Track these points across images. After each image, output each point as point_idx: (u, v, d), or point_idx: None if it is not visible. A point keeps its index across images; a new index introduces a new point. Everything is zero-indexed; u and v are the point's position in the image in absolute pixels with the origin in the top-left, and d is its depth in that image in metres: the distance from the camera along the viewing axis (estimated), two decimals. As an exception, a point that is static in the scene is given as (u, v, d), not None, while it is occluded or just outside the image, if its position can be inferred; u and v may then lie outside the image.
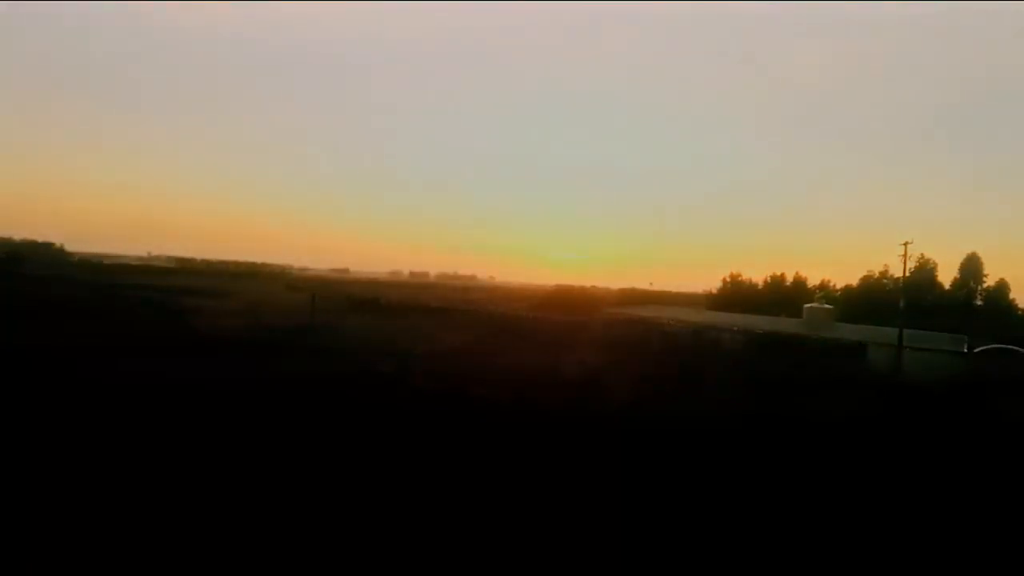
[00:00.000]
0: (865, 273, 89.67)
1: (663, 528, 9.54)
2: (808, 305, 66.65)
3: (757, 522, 10.05)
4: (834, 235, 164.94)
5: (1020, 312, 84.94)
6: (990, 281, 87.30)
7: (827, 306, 63.86)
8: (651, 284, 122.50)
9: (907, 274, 52.57)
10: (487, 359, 27.05)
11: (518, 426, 15.38)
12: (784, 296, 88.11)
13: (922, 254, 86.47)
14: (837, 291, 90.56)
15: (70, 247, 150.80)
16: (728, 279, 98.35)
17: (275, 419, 14.36)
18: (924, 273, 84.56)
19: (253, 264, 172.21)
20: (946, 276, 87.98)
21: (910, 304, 50.29)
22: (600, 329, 45.07)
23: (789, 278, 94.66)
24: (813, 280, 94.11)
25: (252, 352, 25.15)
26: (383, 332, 35.94)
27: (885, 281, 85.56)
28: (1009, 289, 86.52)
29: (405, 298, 68.36)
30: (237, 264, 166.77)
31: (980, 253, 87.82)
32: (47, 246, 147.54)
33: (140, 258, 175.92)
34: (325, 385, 18.74)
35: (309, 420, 14.48)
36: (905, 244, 47.46)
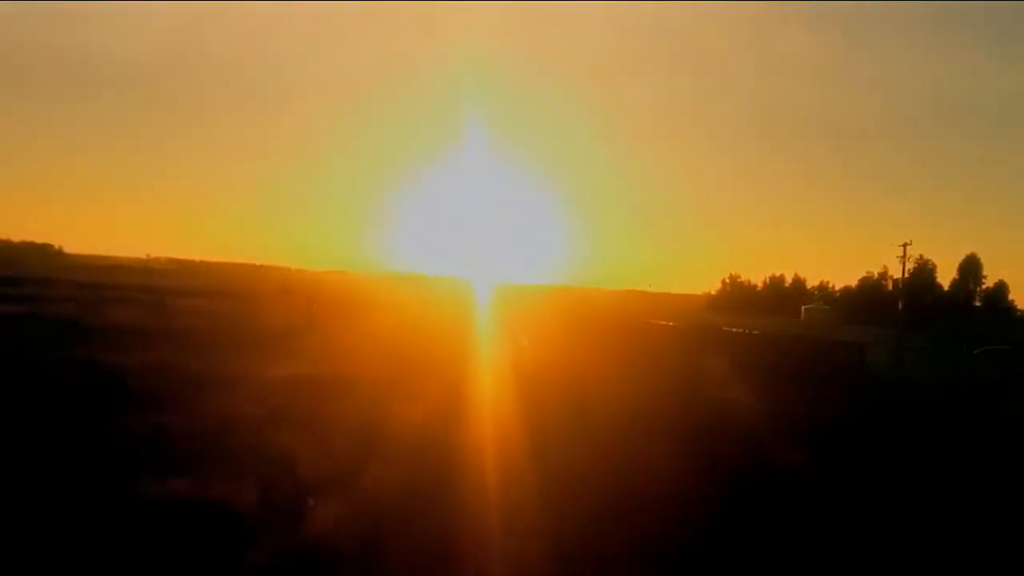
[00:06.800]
0: (864, 274, 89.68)
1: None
2: (806, 306, 66.52)
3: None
4: (833, 236, 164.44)
5: (1019, 313, 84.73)
6: (989, 282, 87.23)
7: (824, 307, 63.69)
8: (649, 285, 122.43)
9: (906, 275, 52.37)
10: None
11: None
12: (783, 297, 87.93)
13: (921, 255, 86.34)
14: (836, 292, 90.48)
15: (69, 248, 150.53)
16: (727, 280, 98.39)
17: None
18: (923, 274, 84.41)
19: (252, 265, 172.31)
20: (945, 277, 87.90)
21: (909, 305, 49.99)
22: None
23: (788, 279, 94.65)
24: (812, 281, 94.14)
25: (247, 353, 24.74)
26: (373, 333, 35.64)
27: (884, 282, 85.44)
28: (1008, 290, 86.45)
29: (393, 300, 67.97)
30: (235, 265, 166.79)
31: (979, 254, 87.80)
32: (46, 247, 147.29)
33: (139, 259, 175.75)
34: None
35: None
36: (904, 245, 47.26)
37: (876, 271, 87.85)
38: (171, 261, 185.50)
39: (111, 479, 8.92)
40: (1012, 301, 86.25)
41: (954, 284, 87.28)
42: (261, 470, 9.56)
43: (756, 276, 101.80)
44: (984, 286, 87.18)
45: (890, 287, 79.92)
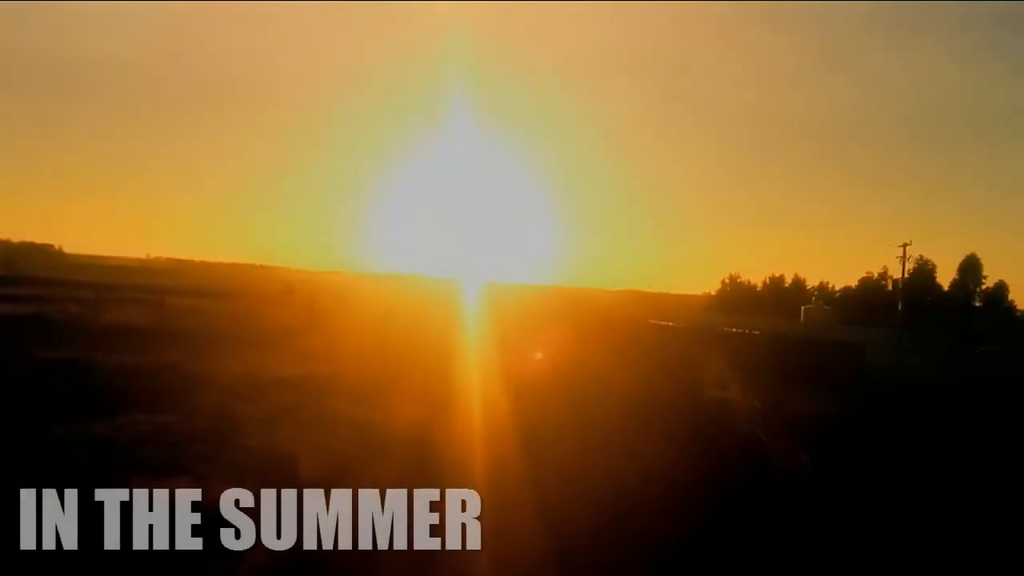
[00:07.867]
0: (864, 274, 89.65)
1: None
2: (806, 307, 66.47)
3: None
4: (833, 236, 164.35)
5: (1019, 313, 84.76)
6: (989, 282, 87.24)
7: (824, 307, 63.69)
8: (649, 285, 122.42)
9: (906, 275, 52.31)
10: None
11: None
12: (783, 297, 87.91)
13: (921, 255, 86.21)
14: (836, 292, 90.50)
15: (69, 248, 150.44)
16: (727, 280, 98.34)
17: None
18: (923, 274, 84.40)
19: (252, 265, 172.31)
20: (945, 277, 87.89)
21: (909, 305, 49.98)
22: None
23: (788, 279, 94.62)
24: (812, 281, 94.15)
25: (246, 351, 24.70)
26: (372, 333, 35.65)
27: (884, 282, 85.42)
28: (1008, 290, 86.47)
29: (392, 300, 67.98)
30: (235, 265, 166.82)
31: (979, 254, 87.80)
32: (46, 247, 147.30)
33: (139, 259, 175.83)
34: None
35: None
36: (904, 245, 47.16)
37: (876, 271, 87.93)
38: (171, 261, 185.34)
39: (110, 479, 8.91)
40: (1012, 301, 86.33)
41: (954, 284, 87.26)
42: (260, 470, 9.50)
43: (756, 276, 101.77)
44: (984, 286, 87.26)
45: (890, 287, 79.92)
